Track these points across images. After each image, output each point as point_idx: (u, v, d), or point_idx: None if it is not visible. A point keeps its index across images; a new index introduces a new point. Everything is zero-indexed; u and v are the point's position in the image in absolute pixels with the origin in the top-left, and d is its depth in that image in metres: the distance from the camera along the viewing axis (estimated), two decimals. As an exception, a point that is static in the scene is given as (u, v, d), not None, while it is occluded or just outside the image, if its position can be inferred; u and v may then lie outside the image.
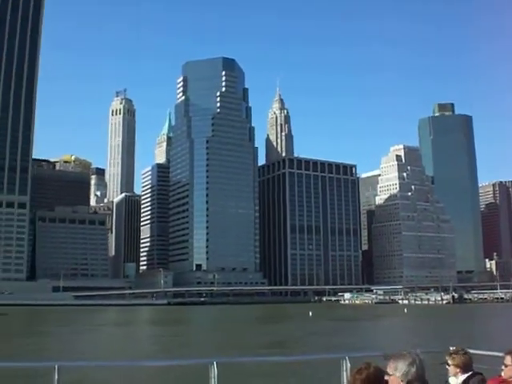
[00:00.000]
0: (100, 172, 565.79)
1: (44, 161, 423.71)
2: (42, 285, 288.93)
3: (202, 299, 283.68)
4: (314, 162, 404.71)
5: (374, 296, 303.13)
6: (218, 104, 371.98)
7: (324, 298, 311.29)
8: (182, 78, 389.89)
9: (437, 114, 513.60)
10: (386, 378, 6.02)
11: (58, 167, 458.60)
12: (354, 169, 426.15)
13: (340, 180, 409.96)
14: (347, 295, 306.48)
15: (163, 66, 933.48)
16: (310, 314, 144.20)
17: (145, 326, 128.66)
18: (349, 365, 10.20)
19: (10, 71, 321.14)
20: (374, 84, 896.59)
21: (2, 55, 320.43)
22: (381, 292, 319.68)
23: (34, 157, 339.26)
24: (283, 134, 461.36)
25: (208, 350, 61.71)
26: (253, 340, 75.94)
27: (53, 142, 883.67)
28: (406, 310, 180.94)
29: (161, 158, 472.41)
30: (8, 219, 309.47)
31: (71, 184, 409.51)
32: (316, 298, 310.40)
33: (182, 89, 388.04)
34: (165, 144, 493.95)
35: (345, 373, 10.26)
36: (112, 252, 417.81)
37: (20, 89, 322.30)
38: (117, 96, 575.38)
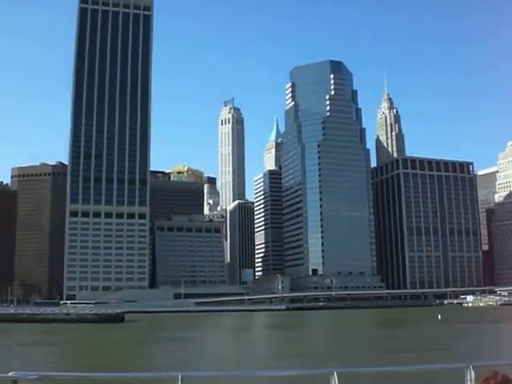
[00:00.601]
0: (212, 181, 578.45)
1: (159, 172, 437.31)
2: (165, 292, 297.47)
3: (321, 304, 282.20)
4: (429, 161, 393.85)
5: (497, 298, 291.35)
6: (328, 107, 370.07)
7: (445, 301, 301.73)
8: (290, 84, 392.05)
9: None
10: None
11: (172, 178, 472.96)
12: (470, 166, 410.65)
13: (456, 178, 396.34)
14: (470, 298, 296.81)
15: (268, 73, 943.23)
16: (439, 317, 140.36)
17: (265, 331, 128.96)
18: (473, 374, 9.65)
19: (124, 92, 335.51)
20: (486, 78, 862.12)
21: (116, 77, 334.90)
22: (505, 293, 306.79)
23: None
24: (393, 133, 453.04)
25: (336, 356, 60.52)
26: (391, 345, 74.10)
27: (166, 153, 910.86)
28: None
29: (270, 165, 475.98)
30: (129, 230, 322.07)
31: (186, 194, 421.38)
32: (437, 301, 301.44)
33: (290, 94, 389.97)
34: (273, 150, 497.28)
35: (469, 382, 9.69)
36: (227, 259, 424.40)
37: (135, 105, 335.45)
38: (225, 105, 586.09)
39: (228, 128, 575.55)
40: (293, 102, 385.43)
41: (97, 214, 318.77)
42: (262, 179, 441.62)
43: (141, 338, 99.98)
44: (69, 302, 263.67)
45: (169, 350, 71.90)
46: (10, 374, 7.49)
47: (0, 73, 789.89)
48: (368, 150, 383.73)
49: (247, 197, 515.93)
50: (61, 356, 67.60)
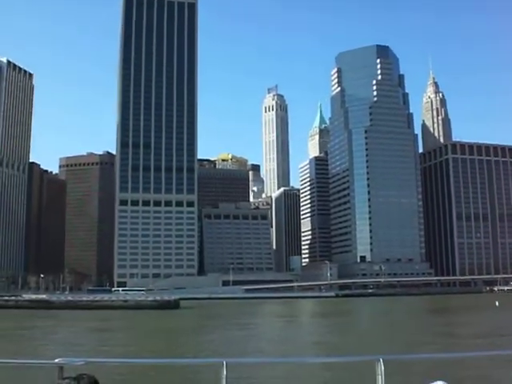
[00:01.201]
0: (256, 168, 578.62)
1: (205, 160, 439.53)
2: (213, 279, 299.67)
3: (370, 291, 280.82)
4: (478, 145, 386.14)
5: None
6: (375, 92, 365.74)
7: (496, 288, 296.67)
8: (336, 70, 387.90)
9: None
10: None
11: (216, 166, 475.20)
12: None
13: (506, 163, 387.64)
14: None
15: (311, 60, 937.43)
16: (497, 303, 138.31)
17: (319, 318, 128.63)
18: None
19: (171, 81, 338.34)
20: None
21: (163, 66, 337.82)
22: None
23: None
24: (439, 118, 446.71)
25: (396, 344, 60.08)
26: (460, 331, 73.44)
27: (209, 141, 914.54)
28: None
29: (314, 151, 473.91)
30: (178, 217, 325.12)
31: (231, 181, 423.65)
32: (487, 288, 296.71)
33: (336, 80, 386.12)
34: (317, 137, 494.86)
35: None
36: (273, 246, 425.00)
37: (182, 94, 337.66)
38: (269, 93, 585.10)
39: (272, 115, 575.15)
40: (339, 88, 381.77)
41: (146, 203, 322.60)
42: (307, 166, 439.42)
43: (201, 324, 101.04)
44: (120, 289, 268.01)
45: (231, 336, 72.59)
46: (56, 360, 7.53)
47: (51, 62, 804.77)
48: (416, 135, 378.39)
49: (292, 184, 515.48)
50: (132, 340, 68.73)
